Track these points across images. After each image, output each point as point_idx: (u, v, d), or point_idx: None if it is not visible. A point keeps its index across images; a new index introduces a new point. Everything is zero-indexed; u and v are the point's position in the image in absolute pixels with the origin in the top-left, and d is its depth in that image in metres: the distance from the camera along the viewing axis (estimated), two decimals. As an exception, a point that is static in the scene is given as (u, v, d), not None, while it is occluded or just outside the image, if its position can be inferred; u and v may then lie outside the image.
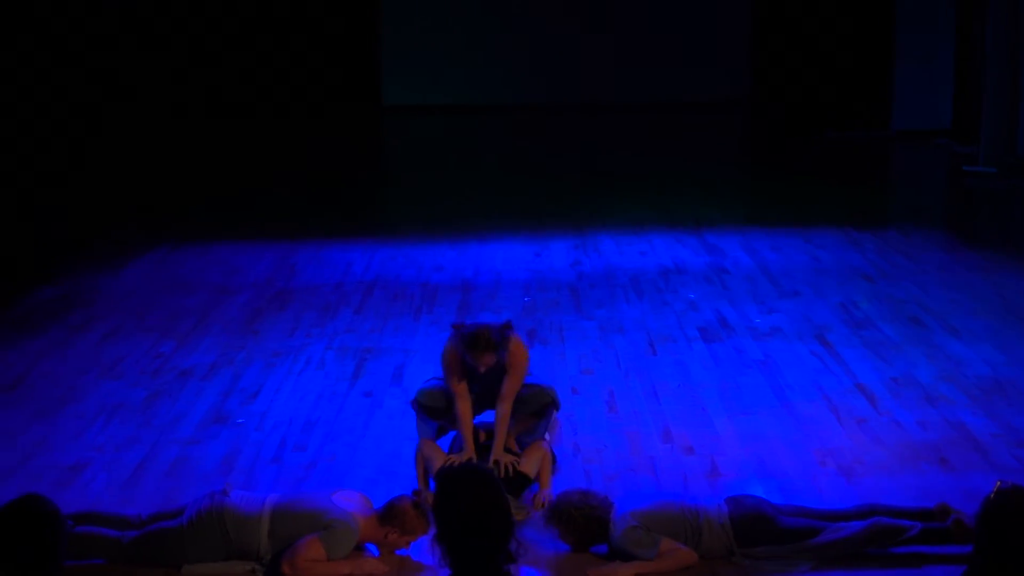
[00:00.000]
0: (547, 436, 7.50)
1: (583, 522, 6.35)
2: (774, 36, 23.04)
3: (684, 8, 23.51)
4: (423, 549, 6.35)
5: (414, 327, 10.31)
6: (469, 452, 7.08)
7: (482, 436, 7.33)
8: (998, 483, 3.93)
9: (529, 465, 7.04)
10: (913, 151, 19.05)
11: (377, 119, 23.21)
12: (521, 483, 6.99)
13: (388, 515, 6.38)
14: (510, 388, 7.08)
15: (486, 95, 23.59)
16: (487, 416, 7.52)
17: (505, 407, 7.09)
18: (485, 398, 7.23)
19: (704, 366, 9.21)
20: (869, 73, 20.29)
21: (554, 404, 7.30)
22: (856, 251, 12.58)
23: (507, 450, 7.07)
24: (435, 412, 7.25)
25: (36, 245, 13.27)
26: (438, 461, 7.02)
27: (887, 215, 14.67)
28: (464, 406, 7.11)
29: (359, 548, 6.40)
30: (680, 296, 11.09)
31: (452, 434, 7.42)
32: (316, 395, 8.73)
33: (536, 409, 7.22)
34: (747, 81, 23.63)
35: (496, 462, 6.98)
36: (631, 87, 23.60)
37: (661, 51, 23.53)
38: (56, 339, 10.04)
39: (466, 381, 7.13)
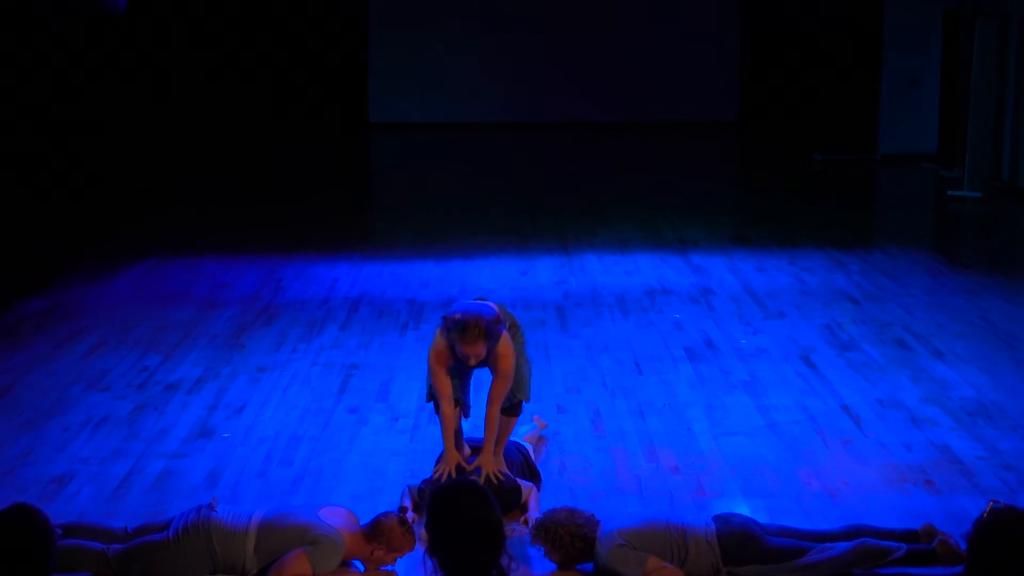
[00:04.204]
0: (531, 451, 7.55)
1: (569, 540, 6.33)
2: (763, 60, 23.23)
3: (674, 31, 23.63)
4: (409, 565, 6.35)
5: (400, 344, 10.31)
6: (452, 459, 7.08)
7: (467, 452, 7.33)
8: (991, 503, 3.95)
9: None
10: (899, 175, 19.15)
11: (364, 137, 23.26)
12: (512, 497, 6.98)
13: (374, 532, 6.37)
14: (497, 391, 7.09)
15: (473, 114, 23.68)
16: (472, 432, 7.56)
17: (493, 410, 7.10)
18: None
19: (690, 386, 9.22)
20: (856, 98, 20.39)
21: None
22: (841, 273, 12.61)
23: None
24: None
25: (24, 256, 13.24)
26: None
27: (873, 238, 14.71)
28: (448, 409, 7.11)
29: (345, 564, 6.40)
30: (666, 316, 11.10)
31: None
32: (302, 410, 8.72)
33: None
34: (735, 104, 23.76)
35: (484, 473, 7.01)
36: (619, 108, 23.71)
37: (650, 73, 23.66)
38: (43, 351, 10.03)
39: (454, 377, 7.15)
